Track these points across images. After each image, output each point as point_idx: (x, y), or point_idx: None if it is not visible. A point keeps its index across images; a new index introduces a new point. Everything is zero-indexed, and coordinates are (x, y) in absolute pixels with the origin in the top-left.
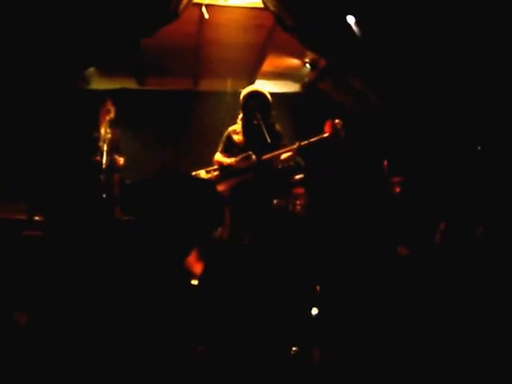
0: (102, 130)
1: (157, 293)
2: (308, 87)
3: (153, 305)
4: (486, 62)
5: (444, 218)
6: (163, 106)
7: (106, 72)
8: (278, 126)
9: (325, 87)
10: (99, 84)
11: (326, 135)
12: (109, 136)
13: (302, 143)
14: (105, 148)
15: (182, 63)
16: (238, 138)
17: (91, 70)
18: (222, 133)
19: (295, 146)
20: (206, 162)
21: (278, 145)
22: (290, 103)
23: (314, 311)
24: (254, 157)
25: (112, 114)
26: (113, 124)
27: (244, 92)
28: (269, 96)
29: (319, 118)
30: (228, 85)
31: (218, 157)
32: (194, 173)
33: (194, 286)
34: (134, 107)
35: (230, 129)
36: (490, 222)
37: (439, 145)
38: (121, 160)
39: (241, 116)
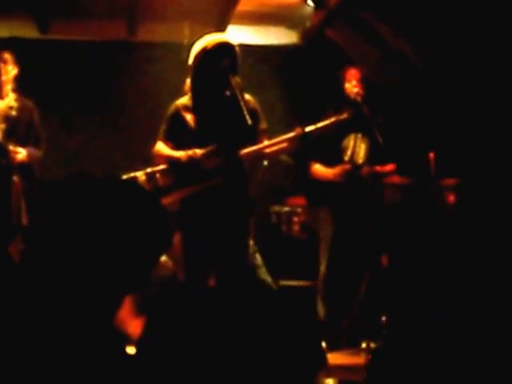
0: (6, 100)
1: (70, 366)
2: (311, 37)
3: None
4: None
5: None
6: (80, 66)
7: None
8: (252, 100)
9: (336, 36)
10: None
11: (344, 116)
12: (15, 107)
13: (308, 129)
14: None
15: None
16: (192, 117)
17: None
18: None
19: (295, 134)
20: (148, 156)
21: (254, 126)
22: (282, 62)
23: None
24: (224, 151)
25: (13, 74)
26: (18, 89)
27: (204, 43)
28: (238, 50)
29: (328, 84)
30: (184, 33)
31: (161, 148)
32: (125, 176)
33: (129, 355)
34: (34, 67)
35: (179, 103)
36: None
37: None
38: (20, 154)
39: (189, 83)
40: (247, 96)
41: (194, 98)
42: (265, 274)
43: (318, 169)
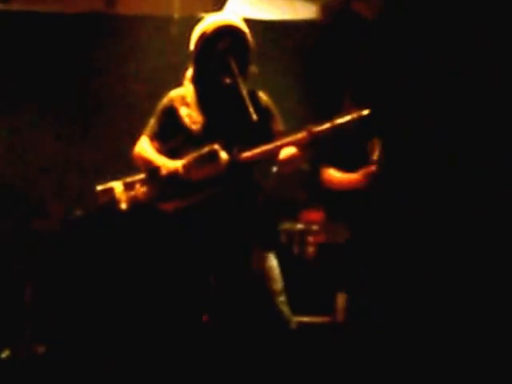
0: None
1: None
2: (334, 11)
3: None
4: None
5: None
6: (45, 45)
7: None
8: (265, 97)
9: (366, 11)
10: None
11: (365, 112)
12: None
13: (319, 128)
14: None
15: None
16: (189, 112)
17: None
18: (158, 98)
19: (304, 135)
20: (129, 157)
21: (266, 127)
22: (297, 42)
23: None
24: (223, 154)
25: None
26: None
27: (204, 26)
28: (249, 35)
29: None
30: (174, 5)
31: (143, 148)
32: (100, 187)
33: None
34: None
35: (174, 95)
36: None
37: None
38: None
39: (191, 73)
40: (260, 93)
41: (195, 89)
42: (283, 305)
43: (334, 175)
